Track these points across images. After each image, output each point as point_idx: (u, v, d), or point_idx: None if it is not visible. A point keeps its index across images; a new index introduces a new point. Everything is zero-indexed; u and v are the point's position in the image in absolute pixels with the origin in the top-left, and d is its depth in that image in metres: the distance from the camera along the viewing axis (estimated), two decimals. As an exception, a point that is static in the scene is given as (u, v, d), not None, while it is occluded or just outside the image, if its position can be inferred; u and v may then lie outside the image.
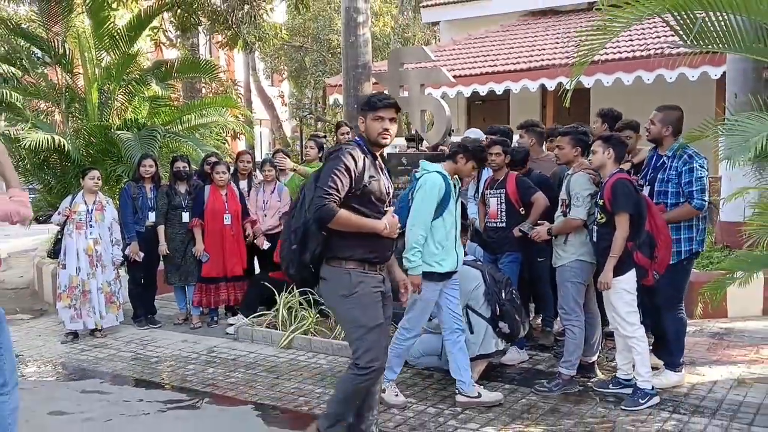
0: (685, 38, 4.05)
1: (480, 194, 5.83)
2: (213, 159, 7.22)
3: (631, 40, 11.07)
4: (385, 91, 11.46)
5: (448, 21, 15.70)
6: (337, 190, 3.37)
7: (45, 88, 9.12)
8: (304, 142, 12.58)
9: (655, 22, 9.99)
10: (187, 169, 6.96)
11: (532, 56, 11.89)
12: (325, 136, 8.60)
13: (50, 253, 7.04)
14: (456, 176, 4.61)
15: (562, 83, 10.54)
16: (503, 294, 4.88)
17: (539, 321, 6.11)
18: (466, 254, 4.84)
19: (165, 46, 14.27)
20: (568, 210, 4.77)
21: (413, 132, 7.66)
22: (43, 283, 8.37)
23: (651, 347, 4.80)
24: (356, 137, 3.67)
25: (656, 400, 4.50)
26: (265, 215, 7.04)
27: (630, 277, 4.48)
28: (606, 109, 5.72)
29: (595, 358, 5.13)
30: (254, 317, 6.49)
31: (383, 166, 3.68)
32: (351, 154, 3.45)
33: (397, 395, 4.60)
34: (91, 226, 6.42)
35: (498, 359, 5.24)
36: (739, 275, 4.79)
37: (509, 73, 11.60)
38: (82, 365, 5.76)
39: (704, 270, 6.73)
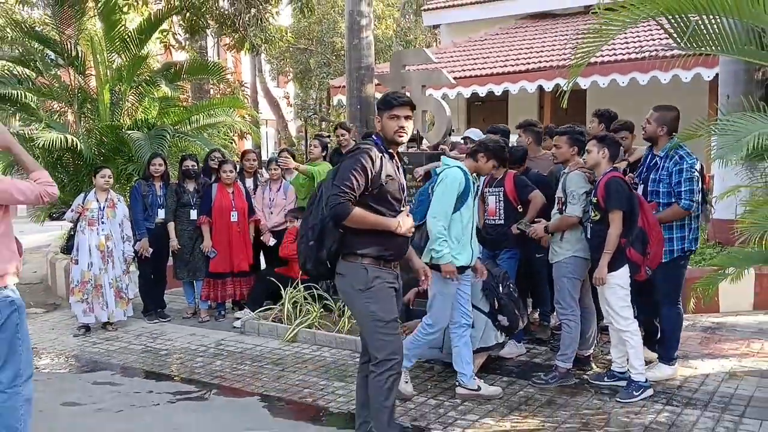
0: (679, 41, 4.04)
1: (479, 192, 5.82)
2: (218, 155, 7.23)
3: (627, 43, 11.05)
4: (388, 92, 11.47)
5: (449, 24, 15.68)
6: (353, 189, 3.33)
7: (58, 89, 9.12)
8: (308, 142, 12.58)
9: (649, 26, 9.95)
10: (196, 167, 6.97)
11: (529, 58, 11.86)
12: (329, 136, 8.58)
13: (63, 249, 7.04)
14: (475, 174, 4.61)
15: (560, 84, 10.52)
16: (501, 288, 4.88)
17: (536, 316, 6.11)
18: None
19: (174, 49, 14.25)
20: (564, 208, 4.77)
21: (414, 132, 7.64)
22: (56, 278, 8.38)
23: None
24: (373, 136, 3.63)
25: (650, 392, 4.50)
26: (271, 212, 7.04)
27: (623, 273, 4.47)
28: (602, 110, 5.71)
29: (590, 351, 5.13)
30: (260, 311, 6.49)
31: (400, 164, 3.63)
32: (369, 154, 3.40)
33: (407, 382, 4.55)
34: (102, 222, 6.43)
35: (497, 352, 5.23)
36: (730, 271, 4.78)
37: (508, 74, 11.58)
38: (94, 358, 5.77)
39: (697, 266, 6.71)
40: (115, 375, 5.31)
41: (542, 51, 12.09)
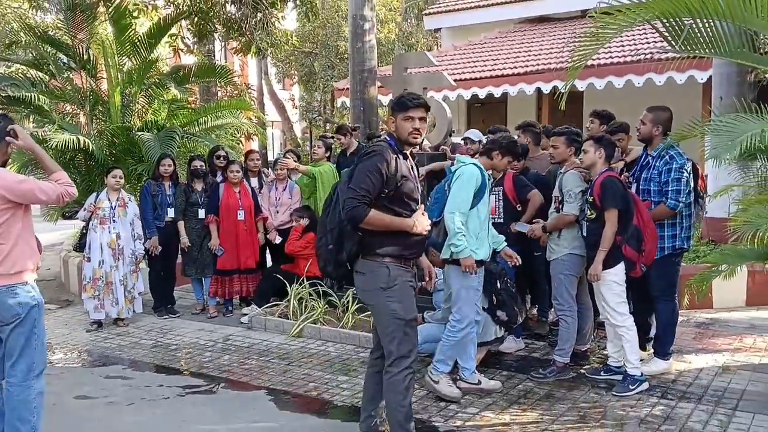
0: (674, 44, 4.03)
1: None
2: (221, 153, 7.24)
3: (623, 46, 11.02)
4: (390, 95, 11.46)
5: (449, 28, 15.65)
6: (369, 192, 3.28)
7: (70, 92, 9.12)
8: (313, 143, 12.58)
9: (645, 29, 9.92)
10: (204, 167, 6.97)
11: (528, 61, 11.84)
12: (332, 137, 8.57)
13: (76, 247, 7.05)
14: (490, 171, 4.60)
15: (557, 87, 10.51)
16: (498, 284, 4.86)
17: (535, 312, 6.10)
18: None
19: (183, 52, 14.24)
20: (560, 206, 4.76)
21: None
22: (69, 275, 8.39)
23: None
24: (386, 136, 3.55)
25: (645, 386, 4.50)
26: (277, 211, 7.05)
27: (619, 270, 4.46)
28: (601, 110, 5.70)
29: (587, 346, 5.13)
30: (267, 307, 6.49)
31: (413, 164, 3.56)
32: (383, 156, 3.34)
33: (450, 386, 4.45)
34: (114, 221, 6.43)
35: (496, 347, 5.23)
36: (724, 268, 4.77)
37: (507, 77, 11.56)
38: (105, 352, 5.78)
39: (691, 263, 6.71)
40: (126, 369, 5.31)
41: (540, 54, 12.06)
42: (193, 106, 11.27)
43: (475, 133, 6.99)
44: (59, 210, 8.93)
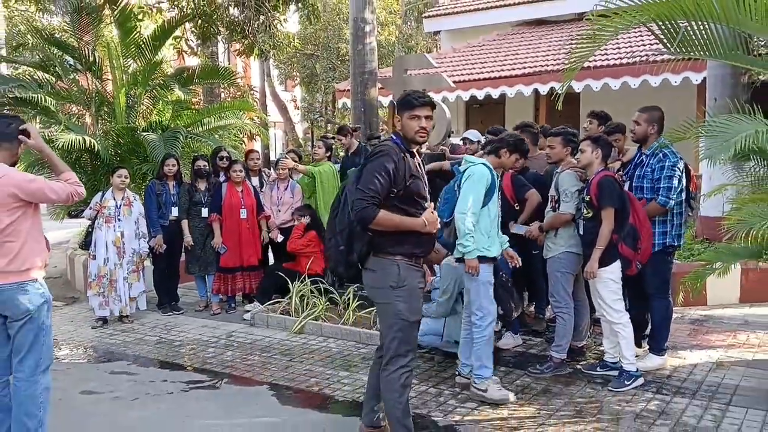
0: (669, 46, 4.02)
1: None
2: (224, 154, 7.24)
3: (619, 48, 11.01)
4: (390, 96, 11.46)
5: (449, 30, 15.65)
6: (377, 192, 3.23)
7: (76, 93, 9.11)
8: (314, 143, 12.57)
9: (640, 31, 9.93)
10: (207, 167, 6.97)
11: (526, 63, 11.83)
12: (333, 138, 8.57)
13: (82, 245, 7.05)
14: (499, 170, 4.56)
15: (554, 88, 10.50)
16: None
17: (532, 309, 6.10)
18: None
19: (187, 54, 14.23)
20: (557, 205, 4.76)
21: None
22: (75, 273, 8.39)
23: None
24: (393, 135, 3.49)
25: (640, 381, 4.49)
26: (279, 210, 7.05)
27: (615, 268, 4.46)
28: (598, 111, 5.69)
29: (583, 342, 5.12)
30: (269, 304, 6.49)
31: (420, 162, 3.50)
32: (391, 156, 3.29)
33: (500, 389, 4.33)
34: (119, 220, 6.43)
35: (494, 344, 5.22)
36: (718, 266, 4.77)
37: (505, 78, 11.55)
38: (110, 348, 5.77)
39: (686, 261, 6.71)
40: (131, 365, 5.31)
41: (538, 56, 12.05)
42: (196, 107, 11.26)
43: (473, 134, 6.99)
44: (65, 209, 8.93)
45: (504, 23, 14.42)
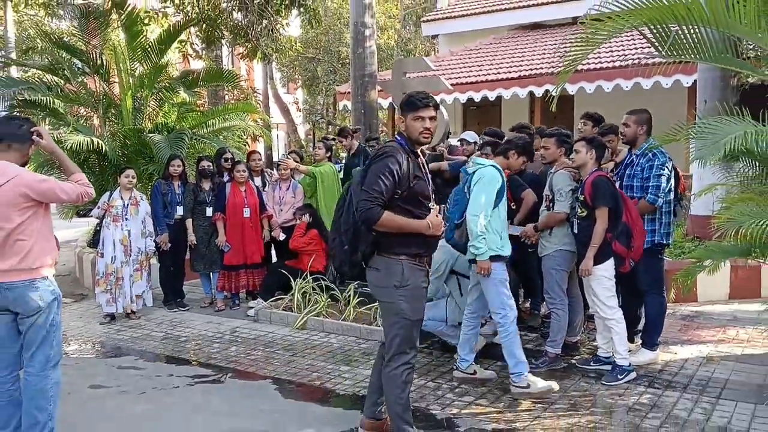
0: (660, 49, 4.02)
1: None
2: (228, 155, 7.25)
3: (611, 51, 11.01)
4: (389, 98, 11.46)
5: (446, 34, 15.65)
6: (382, 194, 3.18)
7: (84, 96, 9.11)
8: (315, 144, 12.57)
9: (633, 35, 9.92)
10: (212, 168, 6.98)
11: (521, 66, 11.84)
12: (334, 139, 8.57)
13: (90, 243, 7.06)
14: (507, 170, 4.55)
15: (549, 90, 10.52)
16: None
17: (528, 305, 6.10)
18: None
19: (192, 58, 14.26)
20: (551, 205, 4.76)
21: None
22: (83, 271, 8.39)
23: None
24: (397, 136, 3.44)
25: (633, 375, 4.50)
26: (281, 210, 7.06)
27: (609, 265, 4.46)
28: (592, 113, 5.70)
29: (578, 338, 5.13)
30: (272, 301, 6.49)
31: (424, 162, 3.45)
32: (396, 158, 3.24)
33: (542, 381, 4.25)
34: (126, 219, 6.43)
35: (491, 339, 5.22)
36: (708, 263, 4.77)
37: (501, 81, 11.56)
38: (118, 344, 5.78)
39: (677, 259, 6.71)
40: (138, 360, 5.32)
41: (533, 59, 12.06)
42: (201, 109, 11.26)
43: (470, 135, 6.99)
44: (74, 208, 8.93)
45: (500, 27, 14.42)
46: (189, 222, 6.75)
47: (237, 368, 5.02)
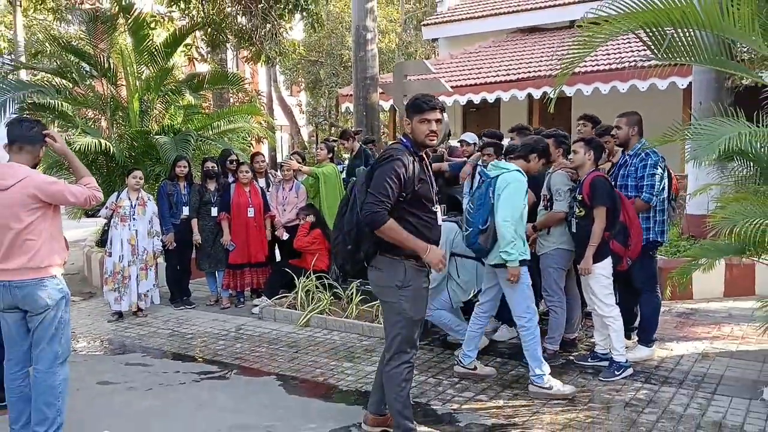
0: (656, 52, 4.02)
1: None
2: (233, 157, 7.26)
3: (608, 54, 11.00)
4: (391, 101, 11.45)
5: (446, 38, 15.64)
6: (389, 197, 3.14)
7: (92, 98, 9.11)
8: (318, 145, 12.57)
9: (629, 38, 9.90)
10: (216, 169, 6.98)
11: (520, 69, 11.83)
12: (336, 140, 8.57)
13: (98, 243, 7.07)
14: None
15: (547, 92, 10.50)
16: None
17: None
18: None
19: (197, 61, 14.24)
20: (549, 204, 4.75)
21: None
22: (91, 270, 8.40)
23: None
24: (402, 138, 3.38)
25: (630, 371, 4.49)
26: (285, 210, 7.06)
27: (606, 264, 4.46)
28: (590, 114, 5.70)
29: (575, 335, 5.13)
30: (276, 299, 6.50)
31: (428, 165, 3.41)
32: (402, 161, 3.19)
33: (563, 384, 4.22)
34: (134, 219, 6.44)
35: (490, 336, 5.23)
36: (703, 262, 4.76)
37: (500, 83, 11.55)
38: (125, 341, 5.78)
39: (673, 257, 6.71)
40: (145, 356, 5.32)
41: (531, 62, 12.05)
42: (206, 111, 11.27)
43: (470, 136, 6.98)
44: (82, 208, 8.94)
45: (499, 31, 14.41)
46: (194, 222, 6.75)
47: (242, 365, 5.02)
